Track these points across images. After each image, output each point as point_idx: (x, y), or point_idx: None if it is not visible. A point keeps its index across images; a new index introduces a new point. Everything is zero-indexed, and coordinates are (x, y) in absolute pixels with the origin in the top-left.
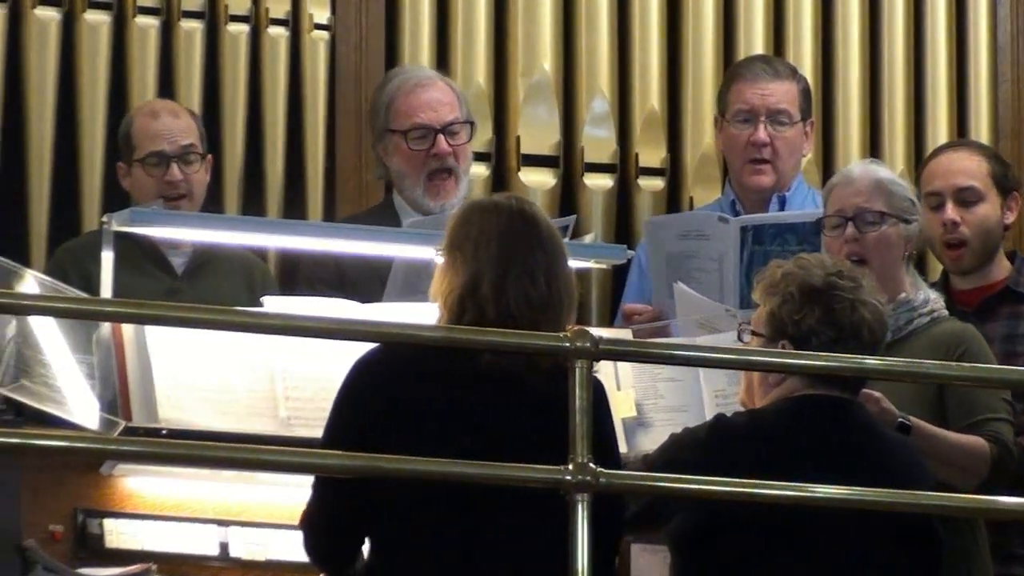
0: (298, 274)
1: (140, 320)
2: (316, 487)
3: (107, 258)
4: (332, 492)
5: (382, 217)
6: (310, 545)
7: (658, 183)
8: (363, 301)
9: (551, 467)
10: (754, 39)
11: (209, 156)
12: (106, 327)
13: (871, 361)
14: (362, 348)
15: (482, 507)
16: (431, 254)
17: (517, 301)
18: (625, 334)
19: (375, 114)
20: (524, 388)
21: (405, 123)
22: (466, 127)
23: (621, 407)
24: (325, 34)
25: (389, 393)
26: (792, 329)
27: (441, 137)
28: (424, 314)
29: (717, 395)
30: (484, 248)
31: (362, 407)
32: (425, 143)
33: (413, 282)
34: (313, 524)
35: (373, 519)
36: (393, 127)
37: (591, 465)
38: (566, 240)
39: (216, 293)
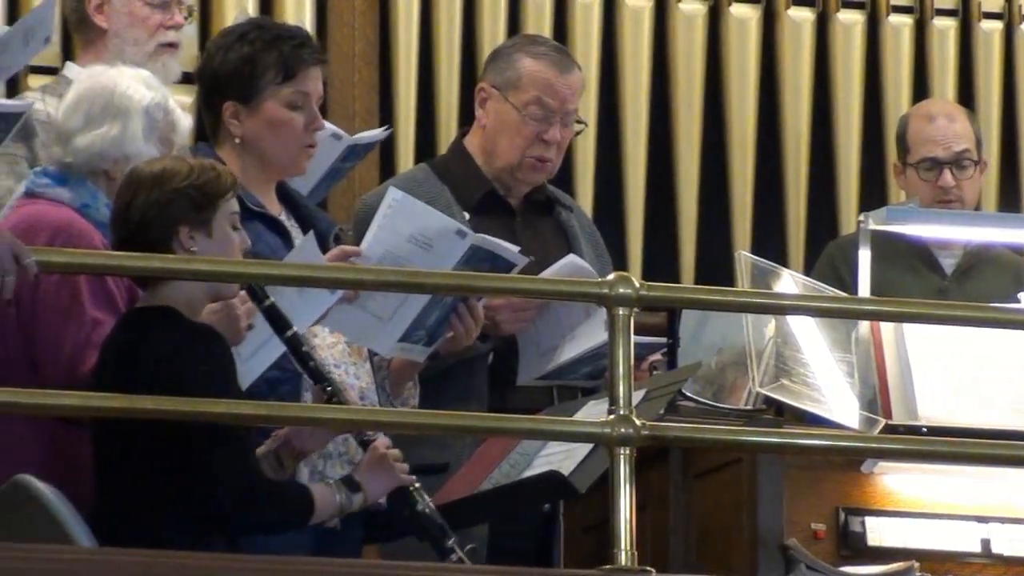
0: None
1: (897, 318)
2: None
3: (864, 257)
4: None
5: None
6: None
7: None
8: None
9: None
10: None
11: (984, 160)
12: (865, 325)
13: None
14: None
15: None
16: None
17: None
18: None
19: None
20: None
21: None
22: None
23: None
24: None
25: None
26: None
27: None
28: None
29: None
30: None
31: None
32: None
33: None
34: None
35: None
36: None
37: None
38: None
39: (983, 294)
